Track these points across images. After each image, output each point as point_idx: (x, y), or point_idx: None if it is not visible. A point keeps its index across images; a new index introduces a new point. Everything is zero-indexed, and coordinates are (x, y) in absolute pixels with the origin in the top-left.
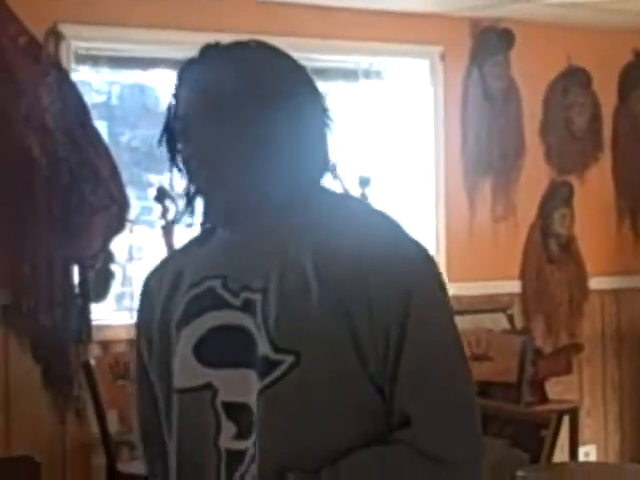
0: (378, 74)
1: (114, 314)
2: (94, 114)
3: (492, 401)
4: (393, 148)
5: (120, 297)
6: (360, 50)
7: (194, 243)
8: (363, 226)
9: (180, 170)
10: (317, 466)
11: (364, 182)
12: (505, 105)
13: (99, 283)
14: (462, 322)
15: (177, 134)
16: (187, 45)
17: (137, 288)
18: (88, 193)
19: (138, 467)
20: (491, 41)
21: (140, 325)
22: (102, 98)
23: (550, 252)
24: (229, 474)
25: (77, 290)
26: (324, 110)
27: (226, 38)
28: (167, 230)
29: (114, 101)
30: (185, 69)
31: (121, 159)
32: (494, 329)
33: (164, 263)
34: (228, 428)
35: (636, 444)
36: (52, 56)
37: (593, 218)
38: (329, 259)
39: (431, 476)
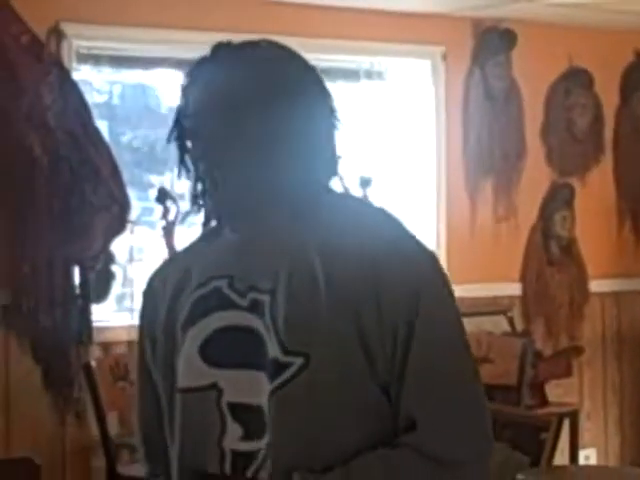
0: (380, 74)
1: (115, 315)
2: (95, 114)
3: (492, 404)
4: (394, 148)
5: (121, 298)
6: (362, 50)
7: (200, 242)
8: (371, 227)
9: (188, 169)
10: (324, 466)
11: (365, 182)
12: (507, 105)
13: (100, 284)
14: None
15: (186, 133)
16: (189, 45)
17: (138, 289)
18: (89, 193)
19: (138, 469)
20: (493, 41)
21: (143, 325)
22: (103, 98)
23: (551, 254)
24: (235, 475)
25: (78, 291)
26: (332, 111)
27: (228, 38)
28: (168, 231)
29: (115, 101)
30: (196, 67)
31: (122, 159)
32: (494, 331)
33: (168, 263)
34: (234, 429)
35: (636, 447)
36: (54, 55)
37: (594, 220)
38: (337, 259)
39: (436, 477)
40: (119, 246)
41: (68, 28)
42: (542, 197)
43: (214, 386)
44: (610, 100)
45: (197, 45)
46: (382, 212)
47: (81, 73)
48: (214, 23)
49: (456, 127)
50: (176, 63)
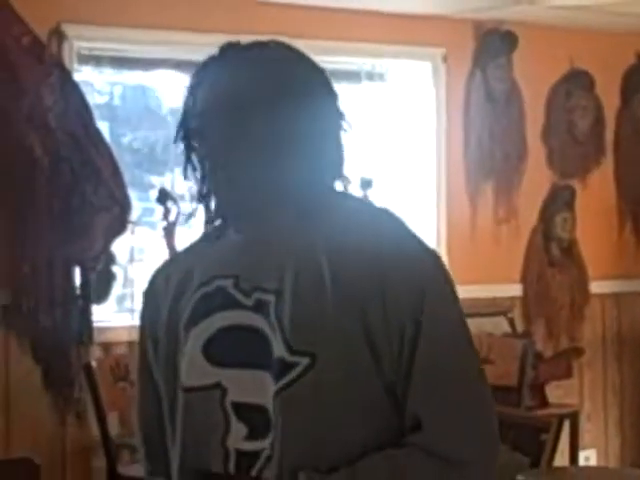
0: (381, 76)
1: (115, 316)
2: (96, 115)
3: None
4: (395, 150)
5: (121, 299)
6: (363, 52)
7: (202, 242)
8: (376, 227)
9: (195, 168)
10: (330, 466)
11: (366, 184)
12: (507, 107)
13: (100, 284)
14: None
15: (193, 132)
16: (189, 46)
17: (138, 290)
18: (90, 193)
19: (138, 470)
20: (494, 43)
21: (145, 325)
22: (104, 99)
23: (551, 256)
24: (239, 474)
25: (78, 291)
26: (340, 113)
27: (227, 39)
28: (168, 231)
29: (116, 102)
30: (203, 67)
31: (123, 160)
32: (495, 332)
33: (170, 262)
34: (238, 429)
35: (637, 449)
36: (55, 56)
37: (595, 222)
38: (343, 259)
39: (443, 477)
40: (120, 247)
41: (69, 29)
42: (543, 199)
43: (218, 385)
44: (611, 102)
45: (197, 46)
46: (386, 212)
47: (82, 74)
48: (214, 25)
49: (457, 129)
50: (177, 64)
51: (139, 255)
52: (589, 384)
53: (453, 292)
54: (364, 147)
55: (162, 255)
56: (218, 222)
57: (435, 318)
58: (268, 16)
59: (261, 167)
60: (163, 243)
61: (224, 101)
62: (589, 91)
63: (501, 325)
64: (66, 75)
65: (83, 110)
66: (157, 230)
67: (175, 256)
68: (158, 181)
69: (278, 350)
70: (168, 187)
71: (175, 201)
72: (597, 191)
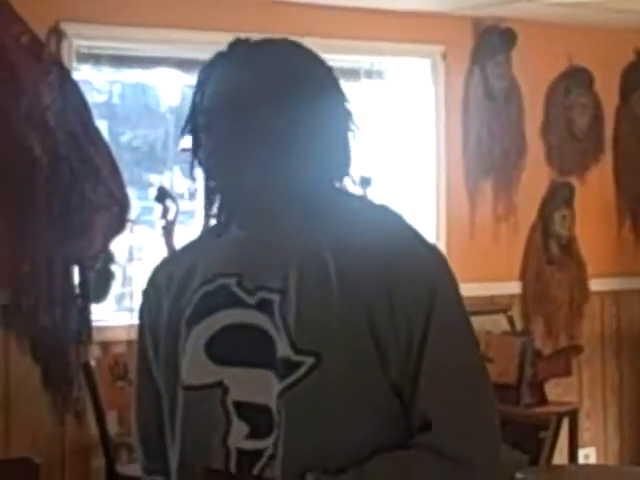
0: (380, 74)
1: (114, 315)
2: (95, 113)
3: None
4: (394, 148)
5: (120, 298)
6: (362, 49)
7: (204, 238)
8: (381, 226)
9: (201, 164)
10: (338, 466)
11: (365, 182)
12: (506, 105)
13: (99, 283)
14: None
15: (200, 128)
16: (189, 44)
17: (137, 288)
18: (89, 192)
19: (137, 469)
20: (493, 41)
21: (145, 323)
22: (103, 97)
23: (550, 253)
24: (240, 473)
25: (77, 290)
26: (348, 113)
27: (227, 37)
28: (167, 230)
29: (115, 100)
30: (212, 63)
31: (122, 159)
32: (494, 330)
33: (172, 259)
34: (240, 428)
35: (636, 447)
36: (54, 55)
37: (594, 219)
38: (349, 258)
39: (452, 478)
40: (119, 245)
41: (68, 28)
42: (542, 196)
43: (219, 384)
44: (610, 99)
45: (197, 45)
46: (390, 212)
47: (81, 73)
48: (214, 23)
49: (456, 126)
50: (176, 63)
51: (138, 254)
52: (588, 382)
53: (458, 290)
54: (363, 145)
55: (161, 254)
56: (218, 218)
57: (443, 318)
58: (268, 14)
59: (267, 164)
60: (162, 242)
61: (232, 98)
62: (588, 88)
63: (500, 323)
64: (65, 74)
65: (82, 109)
66: (156, 229)
67: (176, 253)
68: (157, 180)
69: (282, 349)
70: (167, 186)
71: (174, 200)
72: (596, 188)
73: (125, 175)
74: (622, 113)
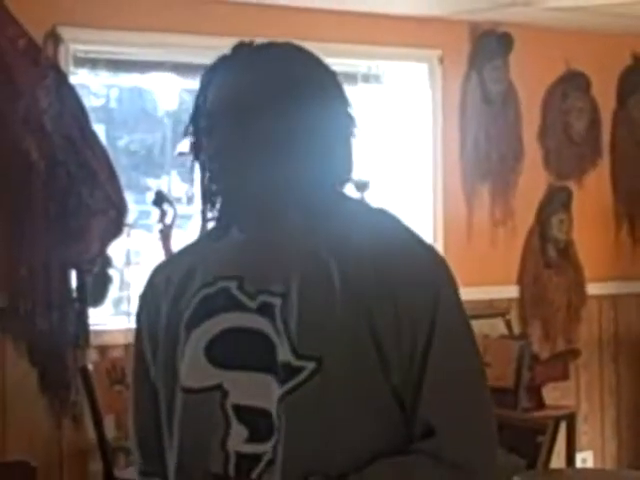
0: (377, 78)
1: (112, 319)
2: (92, 117)
3: None
4: (392, 152)
5: (118, 301)
6: (359, 53)
7: (204, 241)
8: (385, 232)
9: (202, 167)
10: (338, 471)
11: (362, 186)
12: (504, 109)
13: (97, 287)
14: None
15: (202, 131)
16: (186, 49)
17: (135, 293)
18: (86, 196)
19: (135, 473)
20: (490, 45)
21: (143, 325)
22: (100, 101)
23: (548, 257)
24: (239, 477)
25: (75, 294)
26: (350, 117)
27: (224, 42)
28: (165, 234)
29: (112, 104)
30: (215, 66)
31: (119, 163)
32: (491, 334)
33: (170, 262)
34: (239, 431)
35: (633, 450)
36: (51, 59)
37: (591, 223)
38: (353, 264)
39: None
40: (116, 249)
41: (65, 32)
42: (539, 200)
43: (219, 387)
44: (607, 103)
45: (193, 49)
46: (393, 218)
47: (78, 77)
48: (211, 27)
49: (453, 130)
50: (173, 67)
51: (135, 258)
52: (586, 386)
53: (459, 295)
54: (360, 149)
55: (158, 258)
56: (219, 221)
57: (447, 323)
58: (265, 19)
59: (270, 167)
60: (159, 246)
61: (234, 101)
62: (585, 92)
63: (498, 327)
64: (62, 78)
65: (79, 113)
66: (153, 233)
67: (175, 256)
68: (154, 184)
69: (283, 354)
70: (164, 190)
71: (171, 204)
72: (593, 192)
73: (122, 179)
74: (619, 117)
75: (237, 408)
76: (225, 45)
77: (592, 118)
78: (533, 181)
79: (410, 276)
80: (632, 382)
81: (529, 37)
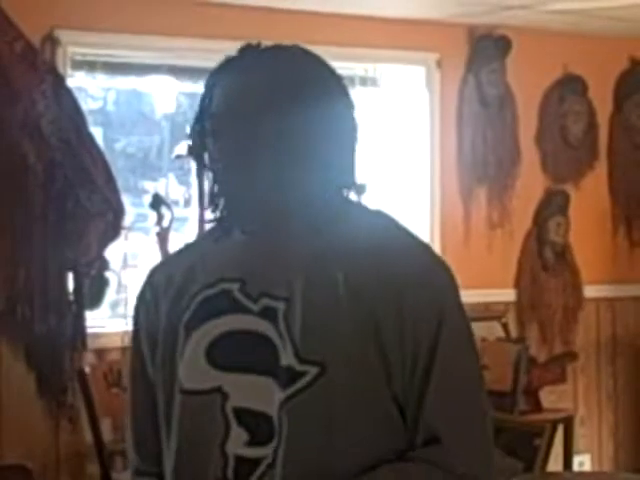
0: (374, 81)
1: (109, 321)
2: (90, 120)
3: None
4: (389, 155)
5: (115, 304)
6: (356, 57)
7: (205, 241)
8: (389, 236)
9: (207, 168)
10: (338, 477)
11: (359, 189)
12: (501, 112)
13: (94, 290)
14: None
15: (207, 133)
16: (183, 52)
17: (132, 295)
18: (83, 199)
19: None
20: (487, 48)
21: (142, 323)
22: (98, 104)
23: (545, 260)
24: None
25: (72, 297)
26: (355, 122)
27: (220, 45)
28: (162, 237)
29: (110, 107)
30: (221, 68)
31: (116, 165)
32: (489, 337)
33: (171, 260)
34: (239, 434)
35: (631, 453)
36: (48, 62)
37: (588, 226)
38: (359, 271)
39: None
40: (113, 252)
41: (62, 35)
42: (536, 203)
43: (218, 389)
44: (604, 107)
45: (191, 52)
46: (398, 225)
47: (75, 80)
48: (208, 30)
49: (450, 133)
50: (170, 70)
51: (132, 261)
52: (583, 389)
53: (461, 300)
54: (357, 152)
55: (155, 261)
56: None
57: (452, 332)
58: (262, 22)
59: (275, 169)
60: (157, 249)
61: (241, 103)
62: (582, 96)
63: (495, 330)
64: (59, 81)
65: (76, 116)
66: (150, 236)
67: (174, 255)
68: (152, 186)
69: (286, 358)
70: (162, 193)
71: (169, 207)
72: (590, 196)
73: (120, 182)
74: (616, 120)
75: (237, 411)
76: (221, 48)
77: (589, 121)
78: (530, 184)
79: (414, 281)
80: (629, 385)
81: (526, 40)
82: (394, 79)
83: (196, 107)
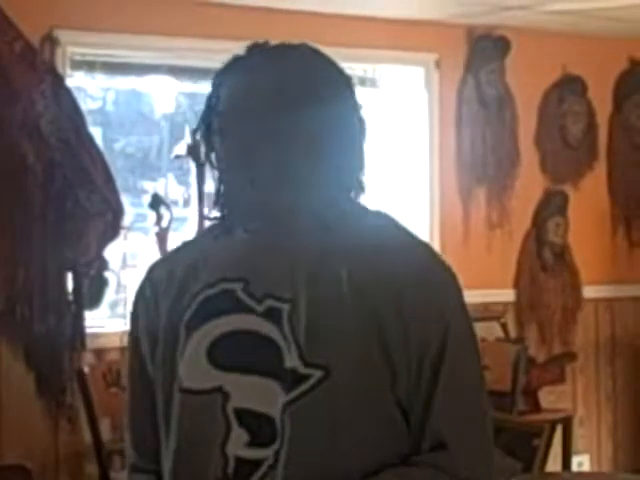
0: (373, 81)
1: (108, 321)
2: (89, 120)
3: None
4: (388, 156)
5: (114, 304)
6: (355, 57)
7: (206, 238)
8: (395, 242)
9: (213, 166)
10: (342, 479)
11: (362, 189)
12: (500, 113)
13: (93, 290)
14: None
15: (214, 131)
16: (182, 52)
17: (131, 295)
18: (83, 199)
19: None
20: (486, 49)
21: (141, 319)
22: (97, 104)
23: (544, 261)
24: None
25: (71, 297)
26: (363, 122)
27: (220, 45)
28: (161, 237)
29: (109, 107)
30: (229, 66)
31: (116, 165)
32: (488, 338)
33: (171, 256)
34: (239, 435)
35: (629, 453)
36: (47, 62)
37: (587, 227)
38: (365, 276)
39: None
40: (113, 252)
41: (62, 35)
42: (535, 204)
43: (219, 389)
44: (603, 107)
45: (190, 52)
46: (403, 229)
47: (75, 80)
48: (208, 30)
49: (449, 134)
50: (169, 70)
51: (132, 261)
52: (582, 389)
53: (465, 305)
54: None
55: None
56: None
57: (458, 336)
58: (261, 22)
59: (281, 169)
60: (156, 249)
61: (249, 101)
62: (582, 96)
63: (494, 330)
64: (59, 81)
65: (76, 116)
66: (150, 236)
67: (174, 252)
68: (151, 186)
69: (290, 361)
70: (161, 193)
71: (168, 207)
72: (590, 196)
73: (119, 182)
74: (616, 121)
75: (238, 411)
76: (221, 48)
77: (588, 122)
78: (529, 185)
79: (414, 280)
80: (628, 385)
81: (525, 41)
82: (393, 80)
83: (195, 107)
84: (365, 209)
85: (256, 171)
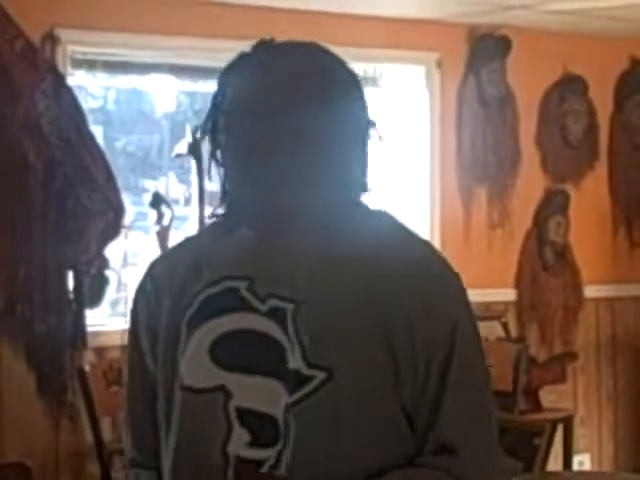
0: (374, 80)
1: (109, 320)
2: (90, 119)
3: None
4: (388, 155)
5: (115, 303)
6: (356, 56)
7: (209, 235)
8: (398, 241)
9: (218, 164)
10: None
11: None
12: (501, 112)
13: (94, 289)
14: None
15: (220, 129)
16: (183, 50)
17: (132, 294)
18: (84, 198)
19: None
20: (487, 48)
21: (141, 316)
22: (98, 103)
23: (545, 260)
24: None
25: (72, 296)
26: (370, 121)
27: (222, 44)
28: (162, 236)
29: (110, 106)
30: (235, 64)
31: (116, 164)
32: (489, 337)
33: (172, 253)
34: (241, 435)
35: (630, 453)
36: (48, 61)
37: (588, 226)
38: (369, 271)
39: None
40: (113, 251)
41: (63, 34)
42: (536, 203)
43: (221, 388)
44: (604, 106)
45: (191, 51)
46: (409, 231)
47: (76, 78)
48: (209, 29)
49: (450, 133)
50: (170, 69)
51: (133, 259)
52: (583, 389)
53: (469, 303)
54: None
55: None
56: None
57: (466, 351)
58: (262, 21)
59: (288, 168)
60: (156, 247)
61: (255, 99)
62: (582, 96)
63: (495, 330)
64: (59, 79)
65: (76, 114)
66: (150, 234)
67: (175, 248)
68: (152, 185)
69: (294, 362)
70: (162, 191)
71: (169, 205)
72: (591, 195)
73: (120, 181)
74: (616, 120)
75: (240, 411)
76: (222, 47)
77: (589, 121)
78: (530, 184)
79: (415, 279)
80: (629, 385)
81: (526, 40)
82: (394, 79)
83: (196, 106)
84: (368, 209)
85: (263, 170)
